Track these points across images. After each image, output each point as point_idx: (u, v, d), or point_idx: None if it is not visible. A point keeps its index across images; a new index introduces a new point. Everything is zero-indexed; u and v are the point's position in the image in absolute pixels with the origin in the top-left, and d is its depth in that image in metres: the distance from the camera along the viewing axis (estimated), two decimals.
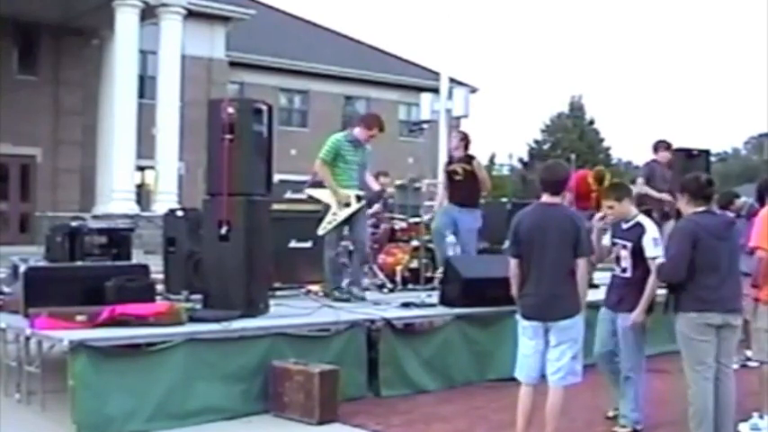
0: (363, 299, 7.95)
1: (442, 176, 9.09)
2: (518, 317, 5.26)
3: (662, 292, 5.61)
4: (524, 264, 5.15)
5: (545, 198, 5.21)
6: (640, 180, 9.84)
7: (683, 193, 5.32)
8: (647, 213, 9.63)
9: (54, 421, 5.68)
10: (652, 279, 5.59)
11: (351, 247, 8.44)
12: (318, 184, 8.17)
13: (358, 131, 8.10)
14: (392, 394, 6.76)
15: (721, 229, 5.26)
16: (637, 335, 5.72)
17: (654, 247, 5.63)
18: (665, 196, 9.64)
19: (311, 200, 8.17)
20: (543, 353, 5.15)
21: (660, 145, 10.09)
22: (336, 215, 7.91)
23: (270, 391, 6.11)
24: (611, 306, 5.90)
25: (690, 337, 5.18)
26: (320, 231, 7.94)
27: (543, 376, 5.20)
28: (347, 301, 7.73)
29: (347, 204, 7.93)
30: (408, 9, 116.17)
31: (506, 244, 5.92)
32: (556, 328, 5.09)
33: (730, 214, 7.13)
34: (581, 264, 5.10)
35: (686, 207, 5.32)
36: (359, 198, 8.04)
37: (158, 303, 6.58)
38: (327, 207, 7.94)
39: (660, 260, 5.48)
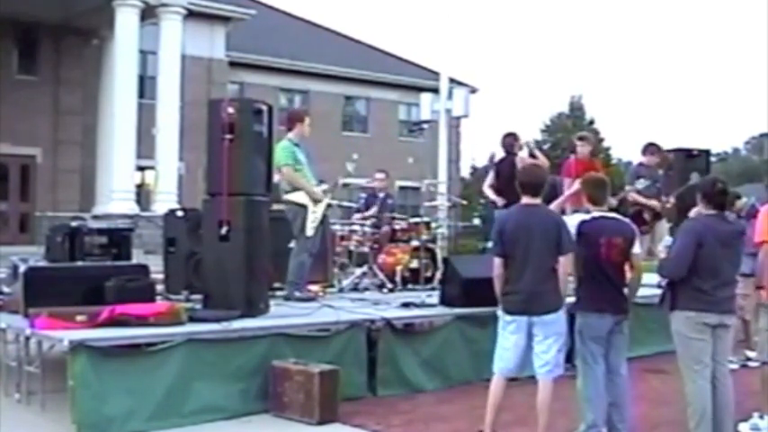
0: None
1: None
2: (500, 313, 5.39)
3: (656, 292, 5.56)
4: (509, 262, 5.30)
5: (526, 200, 5.38)
6: (628, 187, 9.89)
7: (699, 192, 5.36)
8: (639, 213, 9.70)
9: (54, 421, 5.68)
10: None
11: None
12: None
13: (297, 131, 8.21)
14: (389, 393, 6.77)
15: (729, 237, 5.24)
16: (578, 331, 5.44)
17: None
18: (653, 202, 9.72)
19: (290, 204, 8.11)
20: (523, 348, 5.28)
21: (648, 148, 10.07)
22: (316, 212, 8.06)
23: (270, 391, 6.11)
24: None
25: (687, 335, 5.19)
26: (309, 232, 8.01)
27: (515, 379, 5.35)
28: (310, 300, 7.84)
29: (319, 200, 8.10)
30: (408, 9, 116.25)
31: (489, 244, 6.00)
32: (540, 322, 5.23)
33: (732, 215, 7.10)
34: (563, 261, 5.25)
35: (699, 206, 5.36)
36: (325, 192, 8.25)
37: (158, 303, 6.59)
38: (304, 209, 8.01)
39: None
